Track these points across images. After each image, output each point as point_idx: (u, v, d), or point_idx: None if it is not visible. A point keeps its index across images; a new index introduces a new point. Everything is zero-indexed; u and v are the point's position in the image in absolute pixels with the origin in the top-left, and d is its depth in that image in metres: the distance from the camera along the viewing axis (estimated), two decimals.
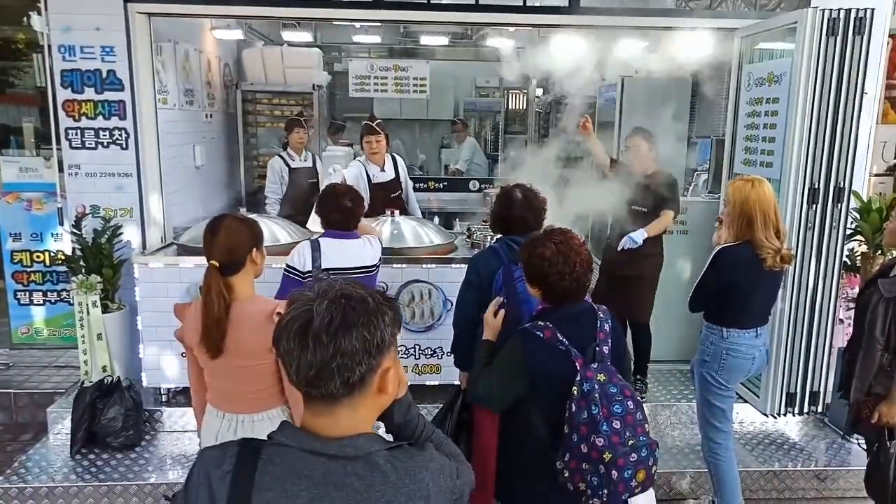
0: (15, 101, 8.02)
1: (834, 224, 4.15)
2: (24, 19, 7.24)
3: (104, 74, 4.58)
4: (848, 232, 4.33)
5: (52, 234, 5.14)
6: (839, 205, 4.12)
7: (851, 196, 4.21)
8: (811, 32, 3.98)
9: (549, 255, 2.28)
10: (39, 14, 6.77)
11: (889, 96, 9.57)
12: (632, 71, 6.64)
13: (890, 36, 8.97)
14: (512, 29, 8.05)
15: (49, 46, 4.55)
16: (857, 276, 4.48)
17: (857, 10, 4.00)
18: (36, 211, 5.10)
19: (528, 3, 5.00)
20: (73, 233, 4.52)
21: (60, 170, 4.77)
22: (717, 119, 5.42)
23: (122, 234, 4.62)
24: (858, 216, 4.45)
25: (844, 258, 4.41)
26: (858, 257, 4.56)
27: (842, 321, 4.47)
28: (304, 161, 5.87)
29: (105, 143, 4.66)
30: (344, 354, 1.11)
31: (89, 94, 4.60)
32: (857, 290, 3.97)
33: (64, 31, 4.52)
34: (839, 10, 4.00)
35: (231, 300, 2.24)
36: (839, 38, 4.00)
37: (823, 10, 4.01)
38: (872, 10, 4.01)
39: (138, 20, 4.59)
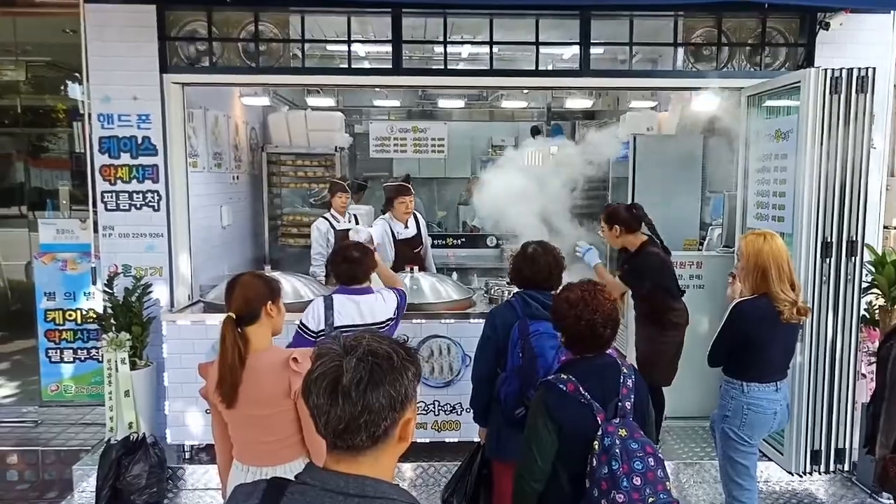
0: (49, 165, 8.38)
1: (849, 278, 4.19)
2: (62, 88, 7.75)
3: (139, 140, 4.85)
4: (864, 285, 4.35)
5: (85, 293, 5.32)
6: (853, 258, 4.16)
7: (865, 249, 4.26)
8: (815, 91, 4.11)
9: (573, 299, 2.38)
10: (79, 83, 7.22)
11: None
12: (644, 129, 6.83)
13: None
14: (526, 91, 8.35)
15: (89, 115, 4.83)
16: (877, 329, 4.47)
17: (859, 69, 4.14)
18: (70, 271, 5.30)
19: (541, 67, 5.23)
20: (105, 291, 4.69)
21: (95, 231, 4.98)
22: (729, 174, 5.53)
23: (151, 292, 4.78)
24: (873, 269, 4.47)
25: (863, 312, 4.42)
26: (877, 311, 4.55)
27: (864, 376, 4.44)
28: (347, 222, 5.88)
29: (138, 206, 4.89)
30: (371, 411, 1.19)
31: (125, 159, 4.86)
32: (877, 343, 3.96)
33: (104, 100, 4.81)
34: (841, 69, 4.14)
35: (247, 351, 2.38)
36: (843, 96, 4.12)
37: (826, 70, 4.15)
38: (874, 69, 4.15)
39: (173, 90, 4.88)
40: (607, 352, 2.42)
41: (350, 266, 3.42)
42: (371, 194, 8.25)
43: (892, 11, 4.99)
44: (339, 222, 5.84)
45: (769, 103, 4.87)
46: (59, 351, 5.40)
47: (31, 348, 5.80)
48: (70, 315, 5.36)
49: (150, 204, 4.90)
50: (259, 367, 2.36)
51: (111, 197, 4.89)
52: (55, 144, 8.65)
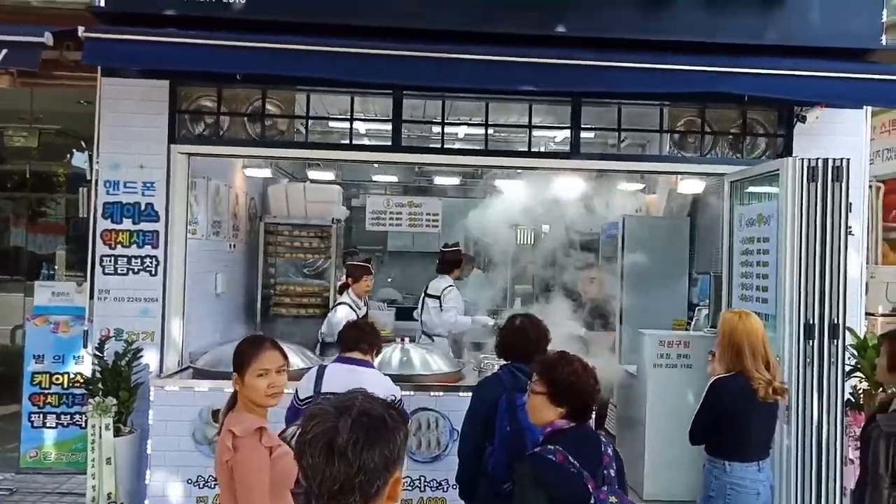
0: (46, 229, 8.50)
1: (832, 360, 4.25)
2: (68, 156, 7.98)
3: (143, 207, 4.99)
4: (848, 368, 4.42)
5: (74, 357, 5.31)
6: (835, 341, 4.25)
7: (847, 333, 4.35)
8: (793, 179, 4.32)
9: (579, 369, 2.45)
10: (85, 152, 7.43)
11: (888, 238, 9.92)
12: (632, 210, 7.05)
13: (882, 181, 9.49)
14: (519, 171, 8.63)
15: (96, 181, 4.98)
16: (862, 413, 4.50)
17: (835, 160, 4.36)
18: (62, 333, 5.31)
19: (533, 148, 5.47)
20: (95, 355, 4.70)
21: (91, 294, 5.04)
22: (716, 256, 5.69)
23: (142, 356, 4.79)
24: (856, 353, 4.55)
25: (848, 395, 4.47)
26: (861, 394, 4.60)
27: (852, 461, 4.43)
28: (363, 307, 5.58)
29: (136, 270, 4.97)
30: (367, 471, 1.22)
31: (127, 224, 4.99)
32: None
33: (112, 167, 4.98)
34: (817, 159, 4.36)
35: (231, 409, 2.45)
36: (819, 185, 4.32)
37: (803, 160, 4.37)
38: (848, 160, 4.37)
39: (179, 160, 5.07)
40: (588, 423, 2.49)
41: (358, 333, 3.46)
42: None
43: (864, 107, 5.29)
44: (359, 309, 5.46)
45: (751, 189, 5.09)
46: (41, 416, 5.34)
47: (12, 414, 5.71)
48: (57, 379, 5.32)
49: (148, 269, 4.98)
50: (221, 430, 2.42)
51: (110, 261, 4.97)
52: (53, 210, 8.82)
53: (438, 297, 6.13)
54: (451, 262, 6.36)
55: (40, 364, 5.31)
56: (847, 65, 4.83)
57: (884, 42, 5.20)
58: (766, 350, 3.21)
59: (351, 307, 5.36)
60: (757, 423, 3.23)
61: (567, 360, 2.51)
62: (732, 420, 3.19)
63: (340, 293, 5.66)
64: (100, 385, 4.57)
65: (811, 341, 4.23)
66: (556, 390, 2.47)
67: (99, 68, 4.91)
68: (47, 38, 4.44)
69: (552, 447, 2.34)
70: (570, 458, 2.28)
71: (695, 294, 6.48)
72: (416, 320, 6.59)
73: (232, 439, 2.29)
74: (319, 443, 1.23)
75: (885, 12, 5.18)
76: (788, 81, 4.70)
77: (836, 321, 4.26)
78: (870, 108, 5.43)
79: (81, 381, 4.91)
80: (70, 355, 5.32)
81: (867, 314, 5.79)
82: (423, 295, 6.40)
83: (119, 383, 4.56)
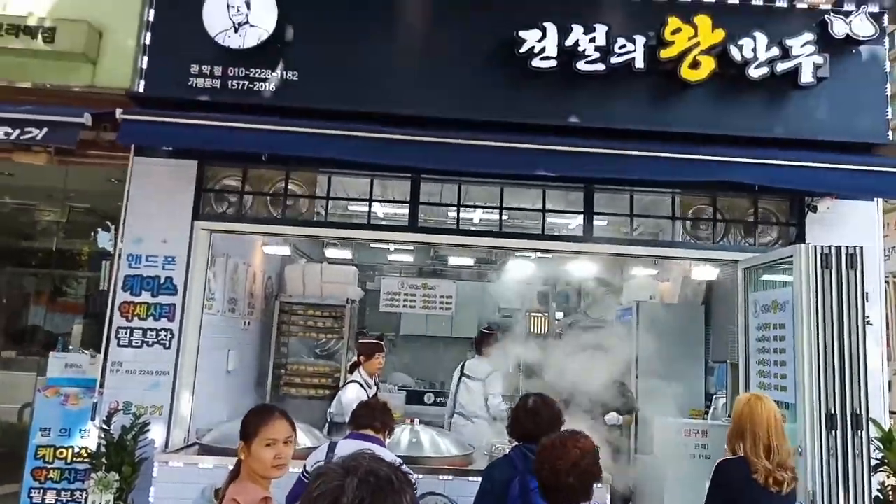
0: (63, 308, 8.58)
1: (857, 452, 4.11)
2: (93, 234, 8.20)
3: (162, 280, 5.08)
4: (874, 462, 4.25)
5: (81, 431, 5.24)
6: (859, 432, 4.12)
7: (871, 425, 4.22)
8: (807, 266, 4.34)
9: (545, 444, 2.47)
10: (107, 230, 7.63)
11: None
12: (646, 296, 7.04)
13: None
14: (533, 256, 8.73)
15: (119, 255, 5.10)
16: None
17: (847, 247, 4.39)
18: (71, 406, 5.27)
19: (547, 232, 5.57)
20: (102, 428, 4.65)
21: (104, 367, 5.04)
22: (731, 343, 5.62)
23: (148, 430, 4.73)
24: (882, 446, 4.39)
25: (876, 492, 4.28)
26: (890, 491, 4.40)
27: None
28: (374, 386, 5.47)
29: (150, 343, 5.00)
30: None
31: (145, 297, 5.07)
32: None
33: (135, 242, 5.12)
34: (830, 247, 4.39)
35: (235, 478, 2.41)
36: (834, 272, 4.33)
37: (817, 247, 4.40)
38: (861, 248, 4.39)
39: (201, 235, 5.21)
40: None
41: (371, 412, 3.43)
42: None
43: (874, 199, 5.37)
44: (370, 388, 5.34)
45: (765, 276, 5.09)
46: (42, 491, 5.20)
47: (11, 494, 5.58)
48: (61, 453, 5.22)
49: (163, 342, 5.01)
50: (224, 499, 2.37)
51: (125, 333, 5.02)
52: (74, 289, 8.94)
53: (482, 381, 6.21)
54: (491, 344, 6.47)
55: (46, 437, 5.23)
56: (854, 157, 4.95)
57: (890, 137, 5.35)
58: (769, 437, 3.11)
59: (361, 385, 5.27)
60: None
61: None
62: (735, 500, 3.12)
63: (351, 372, 5.59)
64: (103, 460, 4.49)
65: (833, 432, 4.11)
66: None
67: (132, 147, 5.16)
68: (86, 119, 4.71)
69: None
70: None
71: (711, 383, 6.35)
72: (428, 404, 6.54)
73: None
74: (325, 501, 1.20)
75: (889, 109, 5.37)
76: (796, 172, 4.82)
77: (858, 411, 4.14)
78: (881, 200, 5.50)
79: (86, 454, 4.82)
80: (77, 428, 5.24)
81: (892, 413, 5.61)
82: (459, 376, 6.43)
83: (123, 458, 4.48)
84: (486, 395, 6.16)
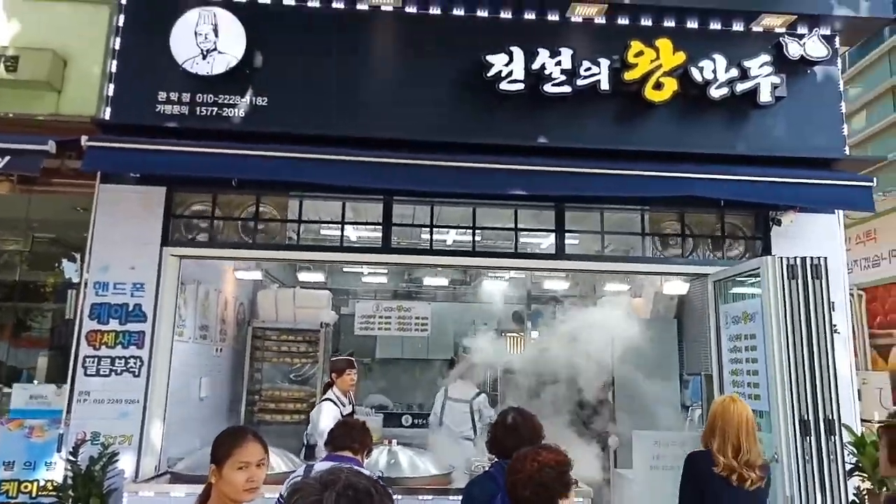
0: (28, 343, 8.32)
1: (832, 457, 4.17)
2: (58, 265, 8.00)
3: (131, 307, 4.98)
4: (849, 467, 4.32)
5: (46, 463, 5.06)
6: (832, 437, 4.18)
7: (844, 430, 4.29)
8: (773, 276, 4.43)
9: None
10: (72, 261, 7.45)
11: (875, 345, 10.00)
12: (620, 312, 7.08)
13: (863, 290, 9.69)
14: (507, 275, 8.77)
15: (85, 283, 5.00)
16: None
17: (812, 258, 4.50)
18: (36, 438, 5.10)
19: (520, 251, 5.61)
20: (68, 460, 4.50)
21: (70, 398, 4.90)
22: (705, 355, 5.69)
23: (117, 461, 4.60)
24: (855, 450, 4.46)
25: (852, 497, 4.33)
26: (865, 495, 4.46)
27: None
28: (349, 405, 5.37)
29: (119, 371, 4.88)
30: None
31: (113, 325, 4.96)
32: None
33: (102, 270, 5.02)
34: (796, 258, 4.50)
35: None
36: (800, 282, 4.44)
37: (782, 258, 4.51)
38: (825, 258, 4.51)
39: (170, 261, 5.13)
40: None
41: (349, 430, 3.37)
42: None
43: (835, 212, 5.53)
44: (345, 406, 5.24)
45: (734, 289, 5.18)
46: None
47: None
48: (25, 487, 5.04)
49: (132, 370, 4.90)
50: None
51: (93, 362, 4.90)
52: (39, 322, 8.69)
53: (468, 402, 6.41)
54: (468, 367, 6.76)
55: (9, 471, 5.04)
56: (814, 172, 5.11)
57: (847, 152, 5.55)
58: (739, 436, 3.23)
59: (335, 402, 5.17)
60: (731, 499, 3.21)
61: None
62: (703, 491, 3.26)
63: (324, 392, 5.53)
64: (70, 492, 4.34)
65: (808, 438, 4.17)
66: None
67: (98, 175, 5.09)
68: (51, 147, 4.64)
69: None
70: None
71: (687, 396, 6.40)
72: (406, 426, 6.52)
73: None
74: None
75: (845, 126, 5.56)
76: (759, 187, 4.95)
77: (831, 417, 4.21)
78: (842, 213, 5.67)
79: (52, 488, 4.66)
80: (42, 461, 5.07)
81: (863, 420, 5.72)
82: (443, 399, 6.56)
83: (91, 489, 4.34)
84: (477, 413, 6.35)
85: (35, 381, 6.17)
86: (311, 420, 5.18)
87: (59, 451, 4.78)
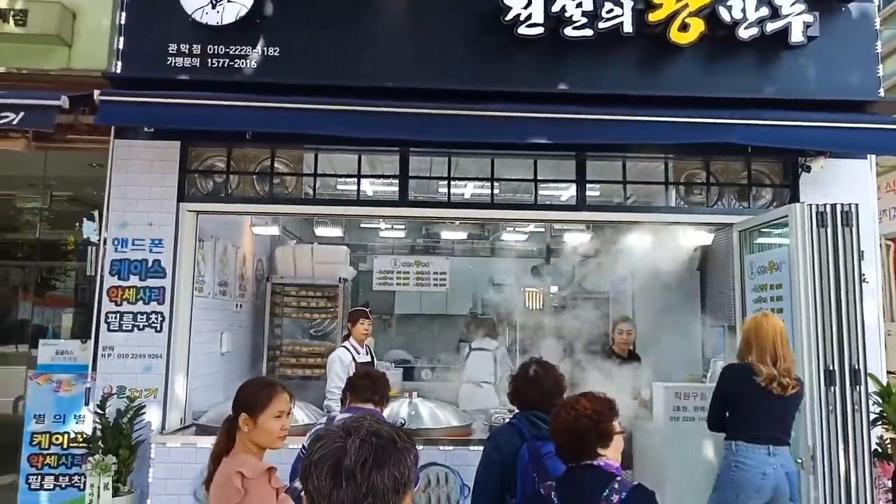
0: (52, 302, 8.45)
1: (856, 407, 4.11)
2: (78, 224, 8.05)
3: (150, 263, 4.99)
4: (873, 416, 4.26)
5: (76, 416, 5.18)
6: (857, 387, 4.11)
7: (869, 379, 4.22)
8: (802, 224, 4.30)
9: (567, 415, 2.42)
10: (91, 220, 7.48)
11: None
12: (641, 264, 6.99)
13: (891, 240, 9.46)
14: (526, 227, 8.68)
15: (104, 239, 5.01)
16: (891, 463, 4.31)
17: (843, 205, 4.34)
18: (64, 392, 5.20)
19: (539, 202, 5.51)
20: (97, 412, 4.59)
21: (95, 352, 4.97)
22: (728, 307, 5.61)
23: (144, 413, 4.68)
24: (880, 400, 4.40)
25: (875, 445, 4.29)
26: (888, 444, 4.42)
27: None
28: (365, 355, 5.45)
29: (141, 326, 4.93)
30: (376, 493, 1.14)
31: (133, 281, 4.98)
32: (892, 477, 3.82)
33: (120, 226, 5.02)
34: (825, 205, 4.35)
35: (225, 452, 2.38)
36: (829, 230, 4.29)
37: (811, 206, 4.36)
38: (857, 205, 4.35)
39: (187, 217, 5.11)
40: (599, 464, 2.35)
41: (372, 382, 3.38)
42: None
43: (867, 157, 5.33)
44: (359, 354, 5.36)
45: (761, 239, 5.06)
46: (39, 478, 5.15)
47: (10, 484, 5.52)
48: (57, 439, 5.17)
49: (154, 325, 4.94)
50: (219, 473, 2.33)
51: (115, 317, 4.94)
52: (62, 282, 8.80)
53: (492, 351, 6.91)
54: (490, 326, 7.37)
55: (41, 424, 5.17)
56: (847, 115, 4.91)
57: (882, 94, 5.31)
58: (775, 347, 3.40)
59: (348, 350, 5.30)
60: (768, 409, 3.39)
61: (562, 407, 2.47)
62: (739, 401, 3.43)
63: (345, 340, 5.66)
64: (100, 443, 4.44)
65: (832, 387, 4.10)
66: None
67: (112, 130, 5.05)
68: (63, 102, 4.57)
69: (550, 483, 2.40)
70: (553, 494, 2.33)
71: (710, 348, 6.34)
72: (426, 380, 6.67)
73: (241, 480, 2.22)
74: (326, 463, 1.16)
75: (880, 67, 5.31)
76: (790, 132, 4.77)
77: (856, 367, 4.14)
78: (873, 158, 5.47)
79: (82, 439, 4.77)
80: (71, 415, 5.19)
81: (889, 373, 5.63)
82: (469, 350, 7.14)
83: (120, 441, 4.43)
84: (499, 364, 6.81)
85: (61, 339, 6.26)
86: (328, 365, 5.27)
87: (86, 404, 4.88)
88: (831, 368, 4.12)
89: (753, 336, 3.44)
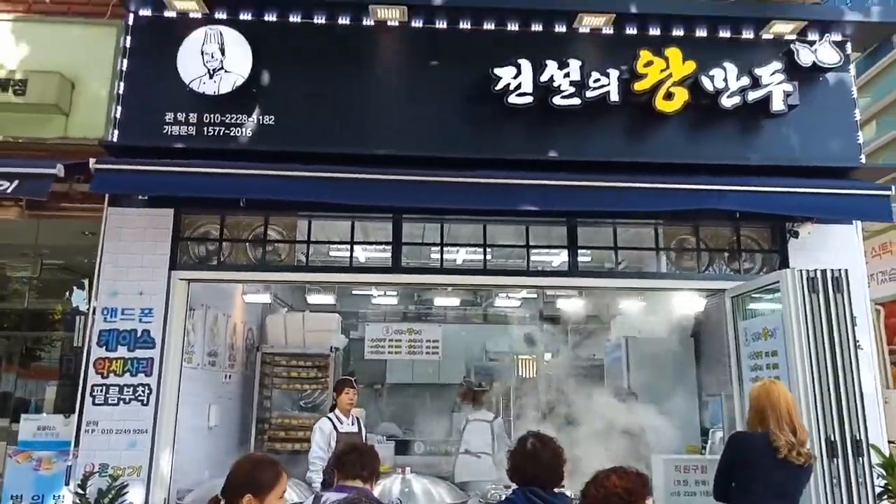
0: (36, 374, 8.24)
1: (860, 480, 4.01)
2: (68, 294, 7.95)
3: (139, 333, 4.91)
4: (878, 490, 4.15)
5: (55, 497, 4.96)
6: (860, 458, 4.03)
7: (872, 451, 4.14)
8: (794, 290, 4.31)
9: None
10: (81, 289, 7.39)
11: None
12: (635, 332, 6.97)
13: (880, 304, 9.51)
14: (519, 294, 8.67)
15: (94, 309, 4.93)
16: None
17: (833, 270, 4.38)
18: (44, 471, 4.99)
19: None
20: (77, 493, 4.40)
21: (78, 428, 4.80)
22: (724, 376, 5.54)
23: (126, 493, 4.48)
24: (884, 472, 4.29)
25: None
26: None
27: None
28: (351, 425, 5.41)
29: (127, 400, 4.79)
30: None
31: (121, 352, 4.88)
32: None
33: (111, 295, 4.95)
34: (816, 270, 4.37)
35: None
36: (821, 296, 4.31)
37: (802, 271, 4.39)
38: (846, 270, 4.39)
39: (179, 286, 5.07)
40: None
41: (360, 456, 3.25)
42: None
43: (853, 222, 5.41)
44: (342, 423, 5.37)
45: (753, 305, 5.06)
46: None
47: None
48: None
49: (140, 398, 4.81)
50: None
51: (101, 390, 4.81)
52: (48, 352, 8.61)
53: (489, 422, 6.85)
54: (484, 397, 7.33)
55: None
56: (831, 182, 5.01)
57: (863, 160, 5.44)
58: (790, 416, 3.25)
59: (330, 419, 5.33)
60: (780, 480, 3.23)
61: (591, 483, 2.39)
62: (750, 471, 3.24)
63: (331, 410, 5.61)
64: None
65: (835, 460, 4.01)
66: None
67: (106, 198, 5.06)
68: (59, 170, 4.61)
69: None
70: None
71: (707, 418, 6.23)
72: (419, 454, 6.56)
73: None
74: None
75: (860, 134, 5.47)
76: (777, 198, 4.86)
77: (858, 437, 4.06)
78: (859, 224, 5.54)
79: None
80: (50, 495, 4.96)
81: (890, 442, 5.53)
82: (465, 421, 6.99)
83: None
84: (496, 436, 6.74)
85: (43, 412, 6.09)
86: (312, 439, 5.27)
87: (67, 483, 4.68)
88: (832, 439, 4.04)
89: (767, 404, 3.29)
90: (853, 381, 4.17)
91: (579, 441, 5.47)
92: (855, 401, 4.14)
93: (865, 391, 4.26)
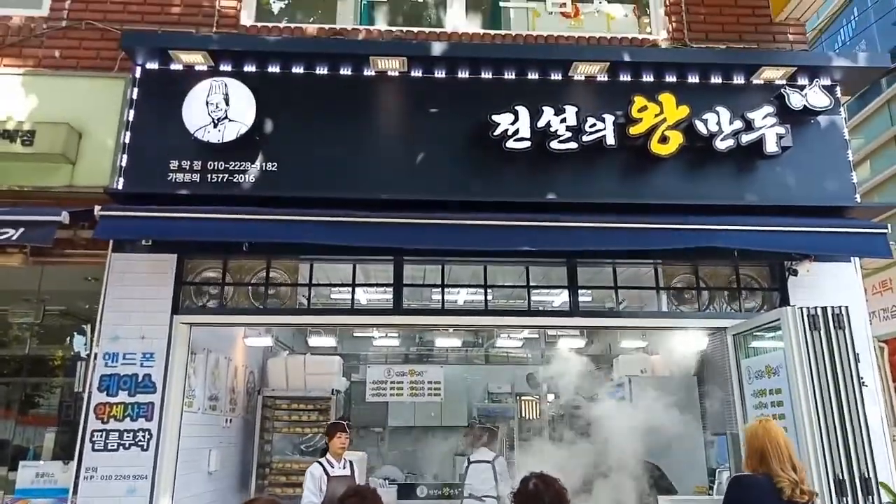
0: (35, 421, 8.17)
1: None
2: (69, 339, 7.93)
3: (140, 378, 4.89)
4: None
5: None
6: (869, 497, 3.98)
7: (881, 489, 4.09)
8: (795, 327, 4.33)
9: None
10: (82, 334, 7.38)
11: None
12: (637, 371, 6.94)
13: (883, 342, 9.47)
14: (520, 334, 8.65)
15: (94, 354, 4.93)
16: None
17: (833, 307, 4.40)
18: None
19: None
20: None
21: (77, 475, 4.75)
22: (728, 413, 5.50)
23: None
24: None
25: None
26: None
27: None
28: (342, 469, 5.47)
29: (127, 445, 4.75)
30: None
31: (122, 397, 4.86)
32: None
33: (112, 339, 4.96)
34: (816, 307, 4.39)
35: None
36: (822, 333, 4.32)
37: (802, 308, 4.41)
38: (846, 307, 4.40)
39: (181, 330, 5.08)
40: None
41: (361, 500, 3.21)
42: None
43: (851, 259, 5.45)
44: (333, 468, 5.43)
45: (755, 343, 5.06)
46: None
47: None
48: None
49: (140, 443, 4.77)
50: None
51: (101, 436, 4.77)
52: (47, 399, 8.54)
53: (490, 463, 6.82)
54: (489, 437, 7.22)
55: None
56: (827, 220, 5.06)
57: (858, 200, 5.51)
58: (790, 453, 3.16)
59: (321, 464, 5.37)
60: None
61: None
62: None
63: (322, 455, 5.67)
64: None
65: (844, 498, 3.96)
66: None
67: (110, 244, 5.12)
68: (64, 217, 4.66)
69: None
70: None
71: (712, 458, 6.15)
72: (421, 497, 6.41)
73: None
74: None
75: (853, 174, 5.56)
76: (775, 236, 4.90)
77: (867, 475, 4.02)
78: (858, 261, 5.57)
79: None
80: None
81: None
82: (467, 462, 6.97)
83: None
84: (499, 475, 6.72)
85: (42, 459, 6.02)
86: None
87: None
88: (841, 477, 4.00)
89: (767, 442, 3.21)
90: (859, 419, 4.15)
91: (582, 479, 5.41)
92: (862, 438, 4.12)
93: (872, 428, 4.23)
